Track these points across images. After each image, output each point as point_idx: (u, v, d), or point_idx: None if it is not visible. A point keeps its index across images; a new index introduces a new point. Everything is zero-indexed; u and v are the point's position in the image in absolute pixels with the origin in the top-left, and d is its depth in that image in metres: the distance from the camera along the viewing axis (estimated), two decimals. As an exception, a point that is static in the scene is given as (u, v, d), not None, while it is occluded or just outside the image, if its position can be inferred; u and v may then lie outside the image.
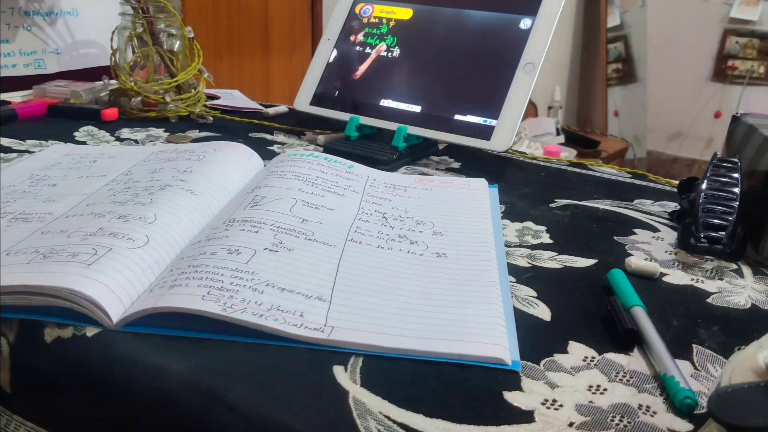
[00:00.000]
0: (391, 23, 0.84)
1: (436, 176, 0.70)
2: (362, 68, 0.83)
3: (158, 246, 0.45)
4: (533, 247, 0.54)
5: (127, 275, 0.41)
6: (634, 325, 0.40)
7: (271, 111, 0.97)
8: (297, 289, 0.41)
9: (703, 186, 0.54)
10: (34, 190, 0.57)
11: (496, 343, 0.38)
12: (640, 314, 0.41)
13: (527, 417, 0.33)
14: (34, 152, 0.70)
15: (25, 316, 0.39)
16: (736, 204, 0.52)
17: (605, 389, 0.35)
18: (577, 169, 0.78)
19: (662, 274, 0.50)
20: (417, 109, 0.77)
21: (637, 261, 0.50)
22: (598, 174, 0.76)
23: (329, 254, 0.47)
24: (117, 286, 0.39)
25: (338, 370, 0.35)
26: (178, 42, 0.92)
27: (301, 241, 0.47)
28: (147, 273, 0.42)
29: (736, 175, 0.54)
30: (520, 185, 0.69)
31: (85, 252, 0.42)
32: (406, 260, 0.48)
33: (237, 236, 0.46)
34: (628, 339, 0.39)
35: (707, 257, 0.53)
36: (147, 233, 0.45)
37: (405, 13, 0.83)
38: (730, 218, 0.51)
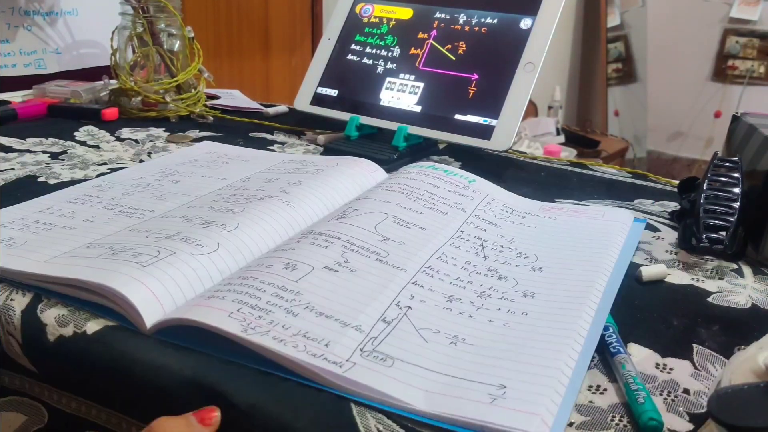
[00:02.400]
0: (391, 23, 0.84)
1: (566, 204, 0.61)
2: (362, 68, 0.83)
3: (227, 255, 0.43)
4: (533, 247, 0.53)
5: (179, 281, 0.39)
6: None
7: (271, 111, 0.97)
8: (336, 315, 0.37)
9: (704, 186, 0.54)
10: (157, 185, 0.58)
11: (535, 412, 0.30)
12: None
13: (527, 417, 0.33)
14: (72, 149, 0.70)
15: (72, 302, 0.40)
16: (736, 204, 0.52)
17: (605, 389, 0.35)
18: (577, 169, 0.78)
19: (662, 274, 0.50)
20: (417, 108, 0.77)
21: (648, 270, 0.49)
22: (598, 174, 0.76)
23: (394, 280, 0.42)
24: (163, 292, 0.38)
25: (338, 370, 0.35)
26: (178, 42, 0.92)
27: (369, 262, 0.43)
28: (204, 280, 0.41)
29: (736, 174, 0.54)
30: (520, 185, 0.69)
31: (148, 254, 0.41)
32: (480, 300, 0.41)
33: (303, 250, 0.43)
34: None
35: (707, 257, 0.53)
36: (220, 240, 0.44)
37: (405, 13, 0.83)
38: (731, 219, 0.51)
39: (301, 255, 0.43)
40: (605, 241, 0.50)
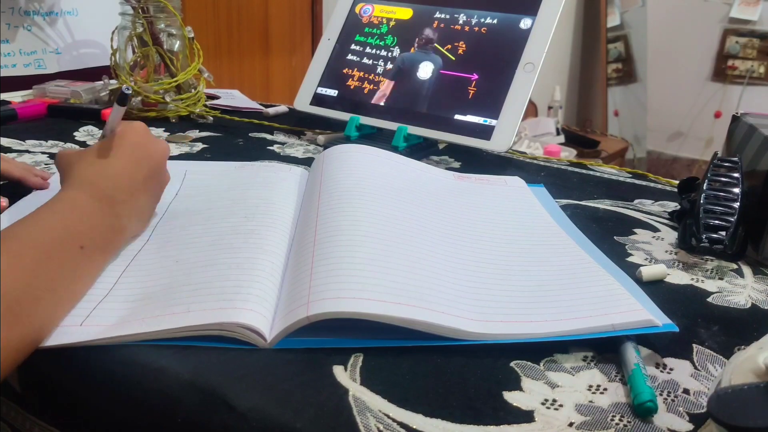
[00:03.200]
0: (391, 23, 0.84)
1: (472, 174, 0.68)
2: (362, 68, 0.83)
3: (275, 272, 0.44)
4: (533, 247, 0.54)
5: (266, 296, 0.41)
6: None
7: (271, 111, 0.97)
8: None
9: (704, 186, 0.54)
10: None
11: (635, 309, 0.39)
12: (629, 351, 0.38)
13: (527, 417, 0.33)
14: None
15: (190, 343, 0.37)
16: (736, 204, 0.52)
17: (605, 389, 0.35)
18: (577, 169, 0.78)
19: (662, 274, 0.50)
20: (417, 108, 0.77)
21: (648, 270, 0.49)
22: (598, 174, 0.76)
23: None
24: (263, 309, 0.39)
25: (338, 370, 0.35)
26: (178, 42, 0.92)
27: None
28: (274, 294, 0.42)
29: (736, 174, 0.54)
30: (520, 185, 0.69)
31: (231, 285, 0.41)
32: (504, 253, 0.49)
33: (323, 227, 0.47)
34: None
35: (707, 257, 0.53)
36: (262, 255, 0.45)
37: (405, 13, 0.83)
38: (731, 219, 0.51)
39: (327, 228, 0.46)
40: (528, 202, 0.61)
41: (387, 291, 0.39)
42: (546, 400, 0.34)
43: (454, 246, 0.49)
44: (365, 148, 0.63)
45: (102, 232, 0.43)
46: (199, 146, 0.78)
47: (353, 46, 0.85)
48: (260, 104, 1.03)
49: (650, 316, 0.38)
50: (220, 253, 0.45)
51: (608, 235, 0.57)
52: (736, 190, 0.53)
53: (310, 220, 0.49)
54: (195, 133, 0.84)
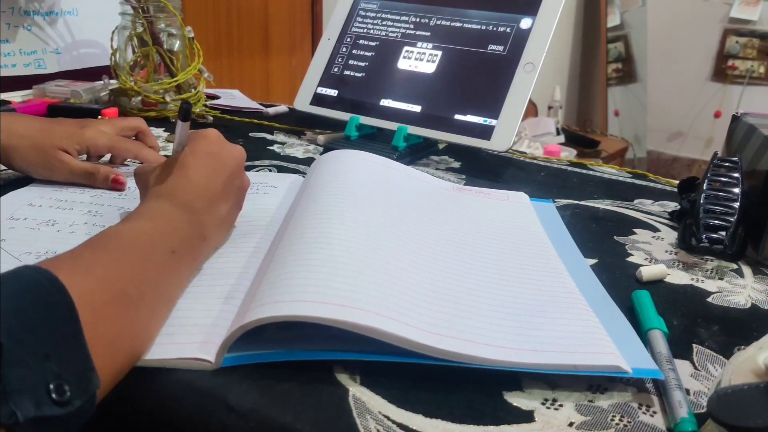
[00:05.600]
0: (392, 23, 0.83)
1: (474, 188, 0.65)
2: (362, 68, 0.83)
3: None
4: (533, 247, 0.53)
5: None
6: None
7: (271, 111, 0.97)
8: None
9: (704, 186, 0.54)
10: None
11: (606, 351, 0.36)
12: (657, 339, 0.39)
13: (527, 417, 0.33)
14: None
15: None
16: (736, 204, 0.52)
17: (605, 389, 0.35)
18: (577, 169, 0.78)
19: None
20: (417, 108, 0.77)
21: (647, 270, 0.49)
22: (598, 174, 0.76)
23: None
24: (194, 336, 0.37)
25: (338, 370, 0.35)
26: (178, 42, 0.92)
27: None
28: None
29: (736, 174, 0.54)
30: (520, 185, 0.69)
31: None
32: (481, 270, 0.46)
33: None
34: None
35: (707, 257, 0.53)
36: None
37: (405, 13, 0.83)
38: (731, 219, 0.51)
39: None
40: (528, 219, 0.57)
41: (334, 294, 0.36)
42: (546, 400, 0.34)
43: (428, 256, 0.46)
44: (362, 153, 0.61)
45: (188, 239, 0.42)
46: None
47: (353, 46, 0.85)
48: (260, 104, 1.03)
49: (619, 361, 0.35)
50: (195, 284, 0.44)
51: (608, 235, 0.57)
52: (736, 190, 0.53)
53: (284, 226, 0.49)
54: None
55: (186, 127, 0.49)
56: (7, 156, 0.58)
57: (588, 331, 0.38)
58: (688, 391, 0.36)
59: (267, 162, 0.72)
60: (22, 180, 0.60)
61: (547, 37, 0.73)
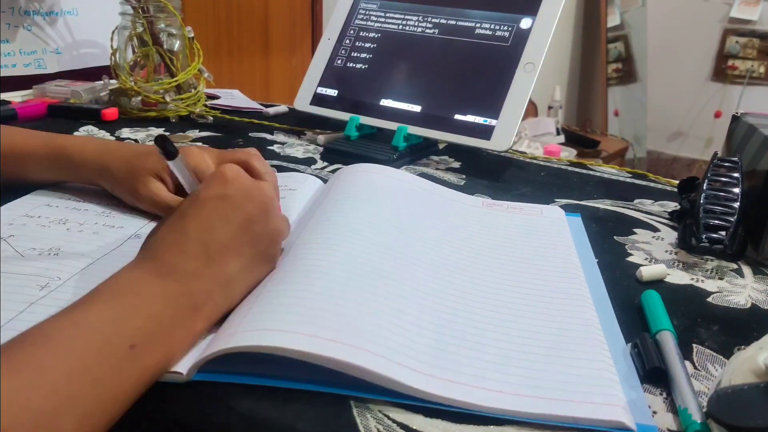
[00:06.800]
0: (392, 23, 0.83)
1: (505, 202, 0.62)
2: (362, 68, 0.83)
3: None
4: (533, 247, 0.53)
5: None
6: (662, 363, 0.37)
7: (271, 111, 0.97)
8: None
9: (704, 186, 0.54)
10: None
11: (613, 404, 0.33)
12: (667, 340, 0.38)
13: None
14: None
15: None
16: (736, 204, 0.52)
17: None
18: (577, 169, 0.78)
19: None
20: (417, 108, 0.77)
21: (647, 270, 0.49)
22: (598, 174, 0.76)
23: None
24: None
25: (338, 370, 0.35)
26: (178, 42, 0.92)
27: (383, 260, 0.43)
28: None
29: (736, 174, 0.54)
30: (520, 185, 0.69)
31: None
32: (495, 298, 0.43)
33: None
34: (653, 377, 0.36)
35: (707, 257, 0.53)
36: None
37: (405, 13, 0.83)
38: (731, 219, 0.51)
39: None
40: (560, 237, 0.54)
41: (326, 326, 0.35)
42: (546, 400, 0.34)
43: (439, 285, 0.43)
44: (390, 170, 0.59)
45: (165, 320, 0.34)
46: (200, 146, 0.78)
47: (353, 46, 0.85)
48: (260, 104, 1.03)
49: (624, 418, 0.32)
50: None
51: (608, 235, 0.57)
52: (736, 190, 0.53)
53: (292, 240, 0.46)
54: (195, 133, 0.84)
55: (180, 167, 0.41)
56: (99, 173, 0.55)
57: (599, 376, 0.35)
58: (688, 391, 0.36)
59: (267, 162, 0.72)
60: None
61: (547, 37, 0.73)
